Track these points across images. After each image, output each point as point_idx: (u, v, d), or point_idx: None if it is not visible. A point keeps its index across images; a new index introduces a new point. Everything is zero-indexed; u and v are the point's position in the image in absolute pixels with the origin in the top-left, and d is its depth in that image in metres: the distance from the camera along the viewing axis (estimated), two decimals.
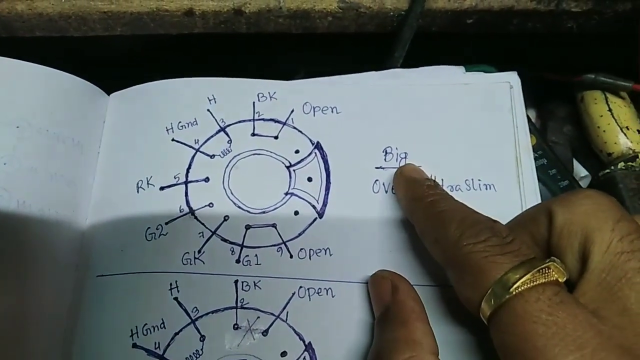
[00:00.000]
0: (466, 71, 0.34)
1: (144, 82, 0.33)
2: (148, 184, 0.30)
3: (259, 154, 0.31)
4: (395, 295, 0.25)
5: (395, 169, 0.30)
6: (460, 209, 0.25)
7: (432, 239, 0.25)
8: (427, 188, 0.27)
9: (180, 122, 0.32)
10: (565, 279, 0.21)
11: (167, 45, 0.37)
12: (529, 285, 0.20)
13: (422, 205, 0.26)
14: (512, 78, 0.33)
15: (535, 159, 0.32)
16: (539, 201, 0.30)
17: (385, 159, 0.31)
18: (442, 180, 0.30)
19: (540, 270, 0.20)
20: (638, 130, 0.38)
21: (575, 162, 0.41)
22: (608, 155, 0.38)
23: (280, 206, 0.30)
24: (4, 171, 0.28)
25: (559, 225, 0.23)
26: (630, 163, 0.37)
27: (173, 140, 0.31)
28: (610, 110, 0.39)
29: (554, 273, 0.20)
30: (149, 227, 0.29)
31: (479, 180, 0.30)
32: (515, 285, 0.20)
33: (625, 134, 0.38)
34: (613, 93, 0.39)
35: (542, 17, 0.35)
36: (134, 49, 0.37)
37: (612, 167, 0.37)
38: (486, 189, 0.30)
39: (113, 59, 0.37)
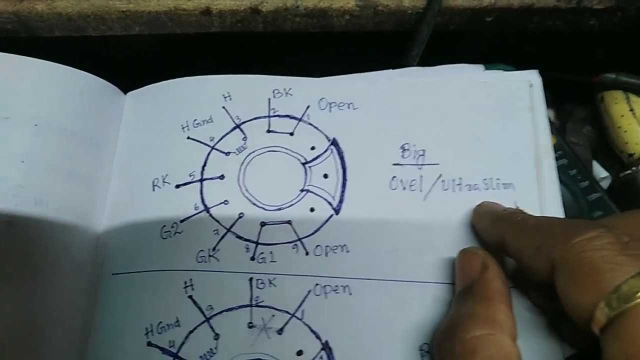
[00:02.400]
0: (485, 69, 0.33)
1: (159, 80, 0.33)
2: (164, 182, 0.30)
3: (275, 151, 0.31)
4: (484, 273, 0.24)
5: (413, 166, 0.30)
6: (556, 218, 0.24)
7: (532, 249, 0.22)
8: (512, 211, 0.26)
9: (195, 120, 0.31)
10: None
11: (183, 44, 0.37)
12: None
13: (513, 222, 0.25)
14: (532, 77, 0.32)
15: (556, 159, 0.31)
16: (560, 202, 0.29)
17: (402, 156, 0.30)
18: (461, 178, 0.29)
19: None
20: None
21: (594, 163, 0.40)
22: (629, 156, 0.37)
23: (295, 203, 0.29)
24: (22, 169, 0.28)
25: None
26: None
27: (189, 138, 0.31)
28: (632, 110, 0.38)
29: None
30: (164, 225, 0.29)
31: (498, 179, 0.29)
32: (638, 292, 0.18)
33: None
34: (634, 93, 0.38)
35: (563, 14, 0.34)
36: (151, 48, 0.37)
37: (634, 168, 0.36)
38: (504, 188, 0.29)
39: (130, 59, 0.37)
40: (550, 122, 0.37)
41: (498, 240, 0.25)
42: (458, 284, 0.26)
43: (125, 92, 0.34)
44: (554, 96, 0.42)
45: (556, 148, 0.35)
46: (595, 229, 0.20)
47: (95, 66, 0.32)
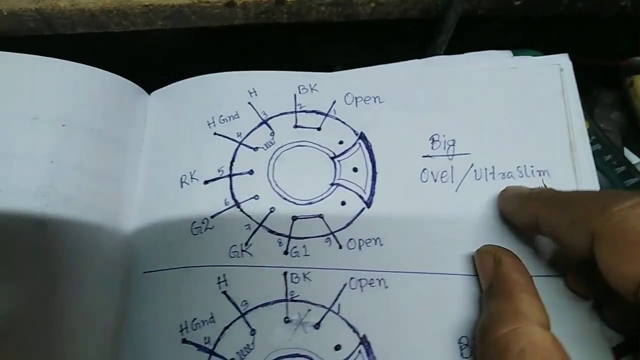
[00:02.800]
0: (514, 55, 0.32)
1: (182, 78, 0.33)
2: (192, 178, 0.30)
3: (303, 146, 0.30)
4: (498, 268, 0.24)
5: (444, 157, 0.29)
6: (590, 191, 0.23)
7: (568, 223, 0.22)
8: (541, 189, 0.26)
9: (221, 116, 0.31)
10: None
11: (205, 38, 0.36)
12: None
13: (544, 199, 0.24)
14: (562, 61, 0.32)
15: (590, 144, 0.31)
16: (597, 187, 0.28)
17: (432, 147, 0.30)
18: (493, 167, 0.29)
19: None
20: None
21: (625, 150, 0.39)
22: None
23: (326, 197, 0.29)
24: (50, 169, 0.28)
25: None
26: None
27: (215, 134, 0.31)
28: None
29: None
30: (194, 222, 0.29)
31: (532, 166, 0.29)
32: None
33: None
34: None
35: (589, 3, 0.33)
36: (172, 44, 0.37)
37: None
38: (540, 175, 0.29)
39: (152, 56, 0.37)
40: (582, 106, 0.37)
41: (530, 221, 0.24)
42: (482, 285, 0.25)
43: (147, 90, 0.33)
44: (579, 81, 0.41)
45: (589, 133, 0.34)
46: (634, 198, 0.19)
47: (118, 65, 0.32)
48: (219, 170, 0.30)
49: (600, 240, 0.20)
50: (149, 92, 0.33)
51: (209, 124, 0.31)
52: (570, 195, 0.24)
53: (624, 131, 0.40)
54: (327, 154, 0.30)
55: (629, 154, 0.39)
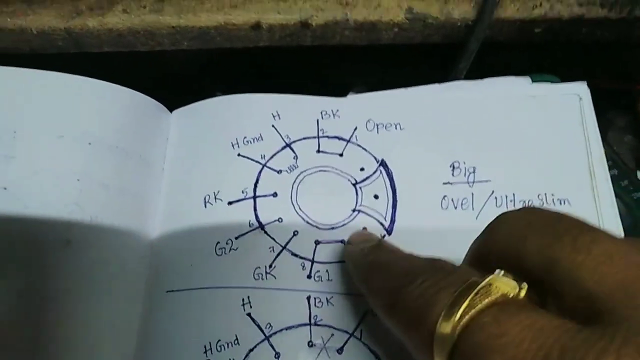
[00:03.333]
0: (532, 82, 0.33)
1: (203, 97, 0.33)
2: (216, 198, 0.30)
3: (325, 171, 0.31)
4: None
5: (464, 184, 0.30)
6: (399, 263, 0.22)
7: (380, 308, 0.22)
8: (371, 247, 0.26)
9: (245, 137, 0.32)
10: (517, 290, 0.17)
11: (226, 57, 0.37)
12: (473, 311, 0.16)
13: (362, 274, 0.24)
14: (581, 89, 0.32)
15: None
16: (617, 214, 0.29)
17: (452, 174, 0.30)
18: (514, 194, 0.29)
19: (480, 291, 0.16)
20: None
21: (639, 173, 0.40)
22: None
23: (348, 223, 0.30)
24: (77, 187, 0.29)
25: None
26: None
27: (239, 155, 0.31)
28: None
29: (497, 288, 0.17)
30: (218, 242, 0.29)
31: (552, 194, 0.29)
32: (458, 317, 0.16)
33: None
34: None
35: (613, 25, 0.34)
36: (195, 63, 0.37)
37: None
38: (560, 204, 0.29)
39: (174, 74, 0.37)
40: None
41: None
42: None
43: (169, 108, 0.34)
44: (593, 105, 0.42)
45: (606, 158, 0.34)
46: (421, 276, 0.19)
47: (140, 82, 0.32)
48: (242, 192, 0.30)
49: (392, 322, 0.20)
50: (171, 110, 0.34)
51: (232, 145, 0.32)
52: (383, 259, 0.23)
53: (637, 154, 0.41)
54: (349, 180, 0.30)
55: None
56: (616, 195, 0.33)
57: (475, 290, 0.17)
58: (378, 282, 0.22)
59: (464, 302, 0.16)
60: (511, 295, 0.17)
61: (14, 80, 0.30)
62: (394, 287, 0.20)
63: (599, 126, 0.43)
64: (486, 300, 0.16)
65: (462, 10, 0.32)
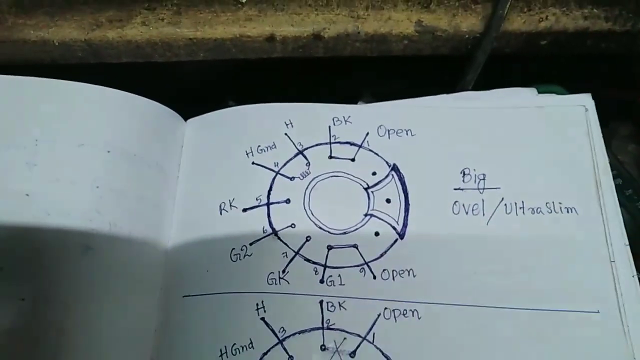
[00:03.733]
0: (538, 93, 0.33)
1: (216, 107, 0.34)
2: (231, 206, 0.31)
3: (337, 176, 0.32)
4: None
5: (474, 190, 0.31)
6: None
7: None
8: None
9: (259, 146, 0.32)
10: None
11: (240, 68, 0.38)
12: None
13: None
14: (586, 101, 0.33)
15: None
16: (622, 224, 0.30)
17: (463, 180, 0.31)
18: (523, 202, 0.30)
19: None
20: None
21: None
22: None
23: (360, 227, 0.30)
24: (96, 194, 0.29)
25: None
26: None
27: (253, 163, 0.32)
28: None
29: None
30: (233, 248, 0.30)
31: (560, 203, 0.30)
32: None
33: None
34: None
35: (617, 37, 0.35)
36: (210, 73, 0.38)
37: None
38: (568, 212, 0.30)
39: (189, 85, 0.38)
40: None
41: None
42: None
43: (184, 117, 0.35)
44: (597, 114, 0.43)
45: (611, 167, 0.35)
46: None
47: (156, 91, 0.33)
48: (257, 199, 0.31)
49: None
50: (186, 120, 0.35)
51: (247, 154, 0.32)
52: None
53: None
54: (360, 184, 0.31)
55: None
56: (621, 205, 0.34)
57: None
58: None
59: None
60: None
61: (36, 90, 0.31)
62: None
63: (602, 135, 0.44)
64: None
65: (470, 24, 0.33)
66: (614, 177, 0.35)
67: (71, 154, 0.30)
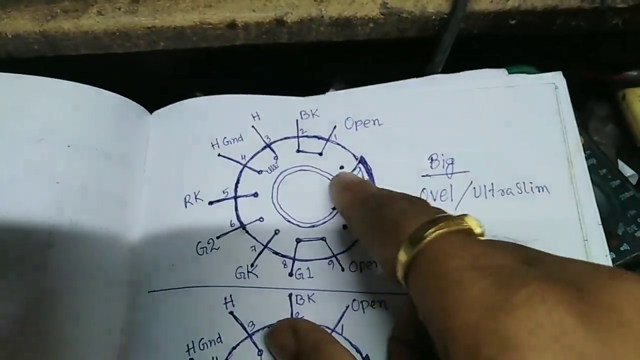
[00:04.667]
0: (508, 73, 0.33)
1: (182, 98, 0.33)
2: (196, 198, 0.30)
3: (305, 170, 0.31)
4: (297, 335, 0.25)
5: (443, 175, 0.30)
6: (385, 190, 0.26)
7: (356, 218, 0.26)
8: (358, 181, 0.29)
9: (225, 137, 0.32)
10: (481, 230, 0.21)
11: (205, 57, 0.37)
12: (443, 230, 0.20)
13: (349, 192, 0.28)
14: (556, 78, 0.32)
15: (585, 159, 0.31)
16: (594, 202, 0.29)
17: (431, 166, 0.31)
18: (492, 184, 0.30)
19: (455, 220, 0.20)
20: None
21: (620, 162, 0.40)
22: None
23: (328, 220, 0.30)
24: (57, 190, 0.29)
25: None
26: None
27: (219, 155, 0.31)
28: None
29: (466, 222, 0.20)
30: (199, 242, 0.29)
31: (531, 182, 0.30)
32: (429, 231, 0.20)
33: None
34: None
35: (586, 14, 0.34)
36: (173, 63, 0.37)
37: None
38: (539, 191, 0.29)
39: (153, 76, 0.37)
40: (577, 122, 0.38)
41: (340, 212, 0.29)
42: None
43: (149, 109, 0.34)
44: (574, 95, 0.42)
45: (584, 148, 0.35)
46: (402, 199, 0.24)
47: (118, 85, 0.32)
48: (224, 192, 0.30)
49: (372, 234, 0.23)
50: (151, 112, 0.34)
51: (212, 145, 0.32)
52: (371, 191, 0.27)
53: (618, 144, 0.41)
54: (328, 178, 0.31)
55: (623, 167, 0.40)
56: (595, 184, 0.34)
57: (450, 219, 0.20)
58: (363, 196, 0.26)
59: (439, 223, 0.20)
60: (476, 231, 0.20)
61: None
62: (379, 203, 0.24)
63: (580, 116, 0.44)
64: (456, 227, 0.20)
65: (436, 4, 0.32)
66: (588, 157, 0.36)
67: (30, 149, 0.29)
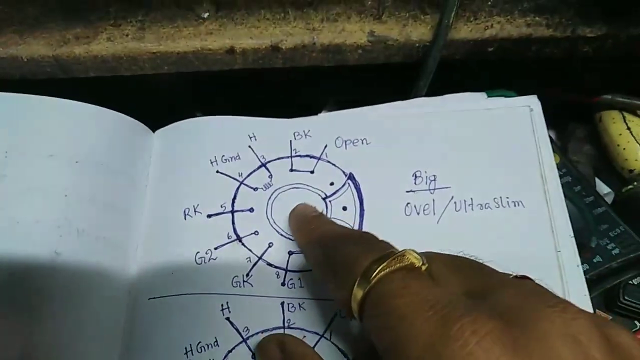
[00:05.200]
0: (488, 97, 0.35)
1: (183, 118, 0.35)
2: (195, 211, 0.33)
3: (298, 188, 0.33)
4: (284, 350, 0.27)
5: (425, 191, 0.32)
6: (337, 229, 0.28)
7: (313, 259, 0.28)
8: (312, 217, 0.30)
9: (223, 155, 0.34)
10: (421, 263, 0.22)
11: (206, 80, 0.39)
12: (387, 270, 0.21)
13: (305, 230, 0.29)
14: (532, 101, 0.35)
15: (560, 176, 0.34)
16: (567, 216, 0.31)
17: (415, 182, 0.33)
18: (472, 199, 0.32)
19: (397, 258, 0.22)
20: None
21: (597, 180, 0.43)
22: (630, 172, 0.40)
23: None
24: (65, 202, 0.31)
25: None
26: None
27: (218, 172, 0.34)
28: (628, 128, 0.40)
29: (408, 259, 0.22)
30: (198, 252, 0.31)
31: (507, 197, 0.32)
32: (375, 272, 0.21)
33: None
34: (630, 112, 0.41)
35: (558, 43, 0.37)
36: (176, 85, 0.40)
37: (635, 183, 0.39)
38: (515, 205, 0.32)
39: (157, 97, 0.40)
40: (553, 141, 0.40)
41: (300, 245, 0.30)
42: None
43: (152, 128, 0.36)
44: (555, 117, 0.45)
45: (560, 166, 0.37)
46: (353, 241, 0.26)
47: (125, 104, 0.34)
48: (221, 206, 0.33)
49: (328, 276, 0.25)
50: (154, 130, 0.36)
51: (211, 162, 0.34)
52: (324, 229, 0.28)
53: (595, 163, 0.44)
54: (319, 195, 0.33)
55: (600, 184, 0.42)
56: (570, 200, 0.36)
57: (392, 257, 0.22)
58: (317, 237, 0.28)
59: (383, 263, 0.22)
60: (417, 265, 0.22)
61: (5, 104, 0.32)
62: (331, 245, 0.26)
63: (561, 137, 0.46)
64: (398, 265, 0.22)
65: (420, 33, 0.35)
66: (564, 175, 0.38)
67: (41, 164, 0.31)
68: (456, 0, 0.32)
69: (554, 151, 0.34)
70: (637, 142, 0.40)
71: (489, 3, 0.36)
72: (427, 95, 0.37)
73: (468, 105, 0.35)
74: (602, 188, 0.42)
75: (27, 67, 0.35)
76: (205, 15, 0.35)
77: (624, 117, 0.41)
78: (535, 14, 0.36)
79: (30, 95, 0.32)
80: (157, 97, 0.39)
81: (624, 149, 0.40)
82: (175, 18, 0.35)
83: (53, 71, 0.35)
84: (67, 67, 0.35)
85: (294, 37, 0.35)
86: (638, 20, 0.36)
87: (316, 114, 0.36)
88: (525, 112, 0.34)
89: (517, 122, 0.34)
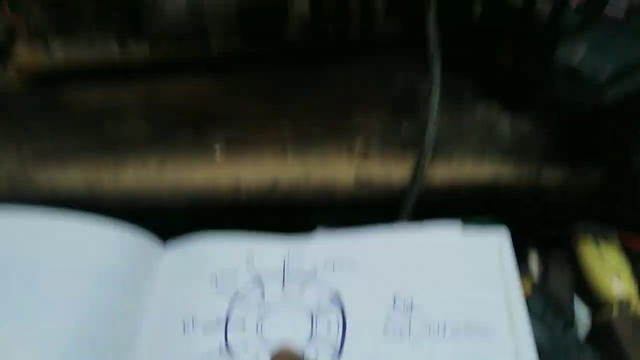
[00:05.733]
0: (463, 223, 0.40)
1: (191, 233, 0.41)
2: (193, 324, 0.36)
3: (288, 305, 0.37)
4: None
5: (403, 314, 0.36)
6: None
7: None
8: None
9: (222, 271, 0.39)
10: None
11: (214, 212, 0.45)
12: None
13: None
14: (500, 233, 0.39)
15: (532, 301, 0.36)
16: (530, 339, 0.33)
17: (394, 306, 0.36)
18: (445, 323, 0.35)
19: None
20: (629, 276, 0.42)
21: (576, 305, 0.44)
22: (604, 300, 0.42)
23: (304, 350, 0.35)
24: (81, 313, 0.35)
25: None
26: (624, 308, 0.41)
27: (216, 287, 0.38)
28: (601, 257, 0.43)
29: None
30: None
31: (478, 324, 0.34)
32: None
33: (618, 279, 0.42)
34: (603, 241, 0.44)
35: (525, 187, 0.42)
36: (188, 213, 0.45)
37: (609, 314, 0.41)
38: (485, 332, 0.34)
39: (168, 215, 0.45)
40: (527, 267, 0.44)
41: None
42: None
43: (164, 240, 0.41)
44: (537, 243, 0.48)
45: (532, 290, 0.40)
46: None
47: (140, 219, 0.40)
48: (217, 321, 0.36)
49: None
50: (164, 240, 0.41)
51: (211, 277, 0.38)
52: None
53: (575, 287, 0.46)
54: (307, 312, 0.37)
55: (579, 311, 0.44)
56: (541, 321, 0.39)
57: None
58: None
59: None
60: None
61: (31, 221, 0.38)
62: None
63: (543, 261, 0.49)
64: None
65: (398, 176, 0.41)
66: (536, 300, 0.41)
67: (59, 276, 0.36)
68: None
69: (526, 276, 0.37)
70: (609, 270, 0.42)
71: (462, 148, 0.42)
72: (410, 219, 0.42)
73: (444, 234, 0.39)
74: (581, 315, 0.43)
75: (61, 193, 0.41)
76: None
77: (597, 246, 0.44)
78: (502, 162, 0.42)
79: (54, 212, 0.38)
80: (170, 216, 0.45)
81: (598, 277, 0.43)
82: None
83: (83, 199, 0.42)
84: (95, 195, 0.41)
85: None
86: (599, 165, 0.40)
87: (309, 231, 0.41)
88: (494, 242, 0.38)
89: (487, 251, 0.38)
